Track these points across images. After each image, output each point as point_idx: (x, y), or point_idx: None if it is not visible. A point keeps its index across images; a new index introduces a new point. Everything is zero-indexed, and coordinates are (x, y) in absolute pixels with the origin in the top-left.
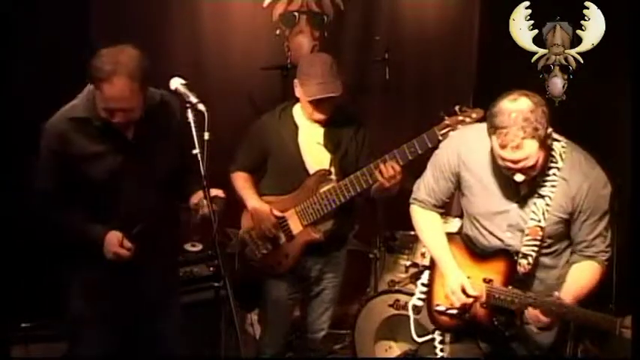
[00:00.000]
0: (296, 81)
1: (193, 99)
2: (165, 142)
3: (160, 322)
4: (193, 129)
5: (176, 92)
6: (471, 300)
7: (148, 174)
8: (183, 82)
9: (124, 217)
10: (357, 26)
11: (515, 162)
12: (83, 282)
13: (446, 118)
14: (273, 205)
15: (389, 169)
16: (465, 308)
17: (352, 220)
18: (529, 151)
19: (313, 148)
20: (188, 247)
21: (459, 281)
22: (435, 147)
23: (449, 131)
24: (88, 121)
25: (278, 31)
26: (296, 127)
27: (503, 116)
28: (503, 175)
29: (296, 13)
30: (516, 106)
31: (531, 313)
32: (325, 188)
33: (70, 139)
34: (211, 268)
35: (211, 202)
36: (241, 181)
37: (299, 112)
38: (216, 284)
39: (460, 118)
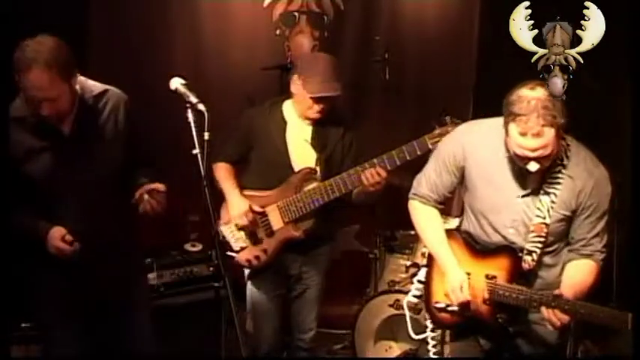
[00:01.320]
0: (295, 77)
1: (193, 99)
2: (106, 138)
3: (124, 320)
4: (193, 129)
5: (176, 92)
6: (469, 298)
7: (89, 169)
8: (183, 82)
9: (70, 214)
10: (357, 26)
11: (533, 150)
12: (45, 283)
13: (437, 127)
14: (255, 199)
15: (375, 175)
16: (464, 306)
17: (334, 219)
18: (547, 140)
19: (300, 145)
20: (188, 247)
21: (460, 279)
22: (423, 155)
23: (438, 140)
24: (24, 119)
25: (278, 31)
26: (285, 122)
27: (522, 104)
28: (508, 170)
29: (296, 13)
30: (536, 94)
31: (549, 312)
32: (309, 187)
33: (11, 138)
34: (211, 268)
35: (211, 201)
36: (223, 171)
37: (289, 108)
38: (216, 284)
39: (450, 128)
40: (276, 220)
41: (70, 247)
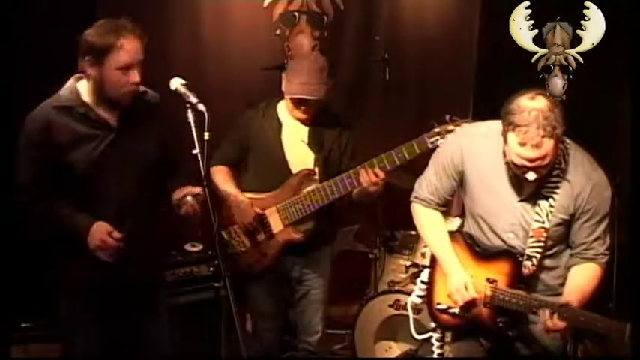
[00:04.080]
0: (283, 74)
1: (193, 99)
2: (148, 135)
3: (147, 319)
4: (193, 129)
5: (176, 92)
6: (474, 298)
7: (131, 164)
8: (183, 82)
9: (109, 208)
10: (357, 26)
11: (531, 160)
12: (71, 281)
13: (436, 125)
14: (254, 202)
15: (373, 175)
16: (467, 307)
17: (333, 220)
18: (546, 150)
19: (297, 146)
20: (188, 247)
21: (463, 279)
22: (424, 156)
23: (438, 139)
24: (72, 108)
25: (278, 31)
26: (280, 124)
27: (522, 114)
28: (507, 174)
29: (296, 13)
30: (536, 105)
31: (543, 316)
32: (308, 189)
33: (54, 127)
34: (211, 268)
35: (211, 201)
36: (222, 174)
37: (283, 109)
38: (216, 284)
39: (450, 127)
40: (275, 223)
41: (116, 243)
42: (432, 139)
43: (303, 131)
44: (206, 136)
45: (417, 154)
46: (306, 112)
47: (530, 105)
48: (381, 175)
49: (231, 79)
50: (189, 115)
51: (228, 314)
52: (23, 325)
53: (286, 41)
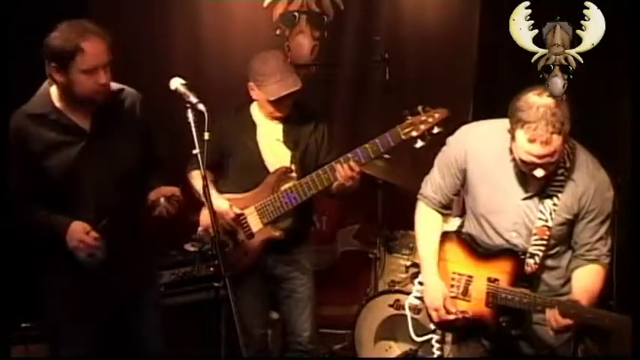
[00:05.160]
0: (251, 84)
1: (193, 99)
2: (124, 135)
3: (135, 320)
4: (193, 129)
5: (176, 92)
6: (452, 317)
7: (108, 167)
8: (183, 82)
9: (88, 211)
10: (357, 26)
11: (540, 157)
12: (57, 282)
13: (409, 117)
14: (233, 202)
15: (349, 169)
16: (443, 323)
17: (311, 216)
18: (555, 146)
19: (273, 145)
20: (188, 247)
21: (441, 295)
22: (396, 146)
23: (411, 130)
24: (44, 116)
25: (278, 31)
26: (254, 125)
27: (531, 110)
28: (511, 172)
29: (296, 13)
30: (543, 101)
31: (549, 315)
32: (286, 186)
33: (29, 134)
34: (211, 268)
35: (211, 204)
36: (200, 179)
37: (256, 111)
38: (216, 284)
39: (423, 117)
40: (254, 222)
41: (94, 243)
42: (405, 130)
43: (278, 130)
44: (206, 136)
45: (392, 145)
46: (287, 108)
47: (539, 101)
48: (356, 168)
49: (231, 79)
50: (189, 115)
51: (228, 314)
52: (23, 325)
53: (286, 41)
